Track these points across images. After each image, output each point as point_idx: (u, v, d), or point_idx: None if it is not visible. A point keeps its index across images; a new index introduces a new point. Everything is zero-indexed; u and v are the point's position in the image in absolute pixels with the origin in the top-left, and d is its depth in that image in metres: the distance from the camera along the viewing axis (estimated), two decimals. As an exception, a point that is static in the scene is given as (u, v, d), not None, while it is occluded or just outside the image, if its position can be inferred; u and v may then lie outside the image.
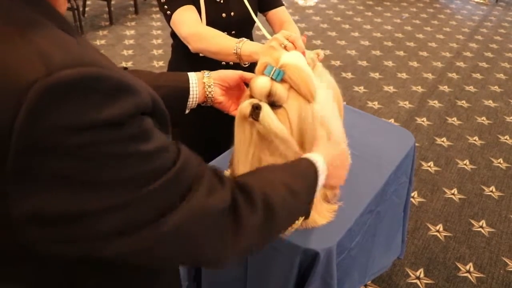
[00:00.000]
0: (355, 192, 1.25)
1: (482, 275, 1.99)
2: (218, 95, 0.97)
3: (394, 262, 1.91)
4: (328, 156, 0.86)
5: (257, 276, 1.21)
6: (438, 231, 2.22)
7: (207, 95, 0.95)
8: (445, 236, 2.20)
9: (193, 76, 0.93)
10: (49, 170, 0.44)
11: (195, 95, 0.93)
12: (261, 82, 0.90)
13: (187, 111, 0.95)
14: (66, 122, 0.42)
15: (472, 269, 2.02)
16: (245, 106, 0.93)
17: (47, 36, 0.45)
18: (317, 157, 0.83)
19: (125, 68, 0.88)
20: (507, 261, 2.07)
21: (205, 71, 0.96)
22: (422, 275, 1.97)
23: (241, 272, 1.26)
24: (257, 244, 0.68)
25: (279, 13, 1.49)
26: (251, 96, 0.94)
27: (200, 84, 0.94)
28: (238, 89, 1.00)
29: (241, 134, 0.97)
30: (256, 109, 0.91)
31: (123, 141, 0.46)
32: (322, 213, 1.14)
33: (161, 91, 0.85)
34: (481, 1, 6.07)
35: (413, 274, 1.98)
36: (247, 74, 0.99)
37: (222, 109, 1.00)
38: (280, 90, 0.90)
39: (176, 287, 0.83)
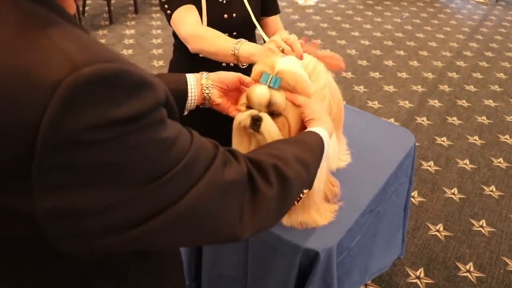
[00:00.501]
0: (355, 192, 1.25)
1: (482, 275, 1.99)
2: (216, 97, 0.96)
3: (394, 261, 1.91)
4: (329, 129, 0.88)
5: (257, 276, 1.21)
6: (438, 230, 2.22)
7: (205, 96, 0.94)
8: (445, 235, 2.20)
9: (191, 78, 0.93)
10: (77, 165, 0.44)
11: (193, 97, 0.92)
12: (260, 92, 0.89)
13: (185, 113, 0.94)
14: (93, 117, 0.43)
15: (472, 268, 2.02)
16: (244, 118, 0.92)
17: (67, 33, 0.46)
18: (321, 130, 0.86)
19: None
20: (507, 260, 2.07)
21: (203, 72, 0.95)
22: (422, 275, 1.97)
23: (241, 272, 1.26)
24: (273, 218, 0.69)
25: (276, 21, 1.50)
26: (248, 106, 0.93)
27: (198, 86, 0.93)
28: (237, 91, 1.00)
29: (239, 144, 0.97)
30: (256, 121, 0.90)
31: (145, 133, 0.47)
32: (322, 213, 1.14)
33: None
34: (482, 1, 6.07)
35: (413, 273, 1.98)
36: (246, 78, 0.98)
37: (220, 111, 0.99)
38: (280, 98, 0.89)
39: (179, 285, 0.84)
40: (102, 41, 4.15)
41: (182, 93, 0.91)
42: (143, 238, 0.51)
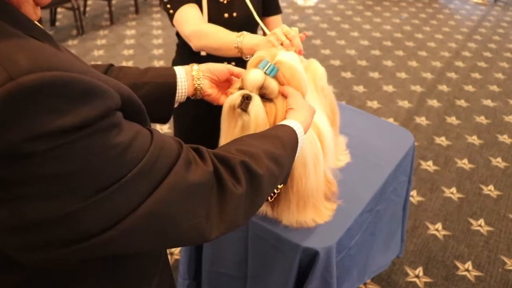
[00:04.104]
0: (355, 191, 1.26)
1: (480, 274, 2.00)
2: (207, 88, 0.95)
3: (393, 260, 1.92)
4: (305, 123, 0.86)
5: (257, 275, 1.22)
6: (437, 230, 2.24)
7: (196, 87, 0.94)
8: (444, 235, 2.21)
9: (180, 70, 0.92)
10: (21, 177, 0.43)
11: (183, 89, 0.92)
12: (254, 74, 0.91)
13: (176, 105, 0.94)
14: (32, 128, 0.42)
15: (470, 267, 2.03)
16: (235, 97, 0.93)
17: (13, 43, 0.44)
18: (295, 123, 0.84)
19: (111, 65, 0.87)
20: (505, 259, 2.09)
21: (193, 64, 0.96)
22: (421, 274, 1.98)
23: (241, 271, 1.27)
24: (244, 215, 0.67)
25: (278, 21, 1.51)
26: (241, 89, 0.94)
27: (189, 78, 0.93)
28: (227, 82, 1.00)
29: (227, 127, 0.98)
30: (246, 99, 0.91)
31: (93, 140, 0.46)
32: (321, 212, 1.15)
33: (148, 87, 0.84)
34: (480, 1, 6.08)
35: (412, 272, 1.99)
36: (235, 69, 0.99)
37: (211, 101, 0.99)
38: (273, 84, 0.91)
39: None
40: (103, 41, 4.16)
41: (170, 86, 0.90)
42: (103, 247, 0.50)
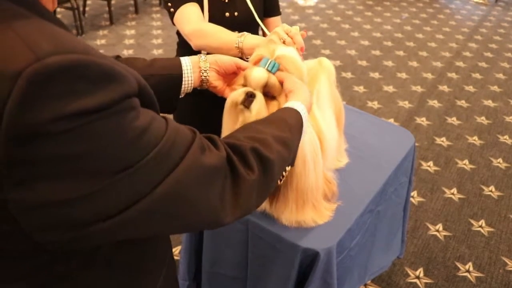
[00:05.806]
0: (355, 192, 1.26)
1: (481, 275, 1.99)
2: (214, 80, 0.96)
3: (394, 261, 1.91)
4: (306, 102, 0.87)
5: (257, 276, 1.22)
6: (437, 230, 2.23)
7: (203, 79, 0.95)
8: (444, 235, 2.20)
9: (187, 62, 0.93)
10: (44, 157, 0.44)
11: (190, 81, 0.93)
12: (258, 73, 0.91)
13: (182, 96, 0.95)
14: (55, 108, 0.42)
15: (471, 268, 2.03)
16: (238, 94, 0.93)
17: (34, 26, 0.46)
18: (299, 105, 0.85)
19: (118, 56, 0.88)
20: (506, 260, 2.08)
21: (201, 55, 0.96)
22: (421, 275, 1.98)
23: (241, 272, 1.26)
24: (257, 200, 0.69)
25: (277, 22, 1.51)
26: (245, 86, 0.95)
27: (195, 70, 0.93)
28: (234, 75, 1.00)
29: (228, 123, 0.98)
30: (250, 96, 0.91)
31: (112, 122, 0.47)
32: (321, 212, 1.15)
33: (153, 79, 0.85)
34: (481, 1, 6.08)
35: (413, 273, 1.98)
36: (243, 63, 0.99)
37: (217, 93, 1.00)
38: (276, 81, 0.91)
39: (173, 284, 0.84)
40: (103, 41, 4.16)
41: (176, 78, 0.91)
42: (120, 229, 0.51)
